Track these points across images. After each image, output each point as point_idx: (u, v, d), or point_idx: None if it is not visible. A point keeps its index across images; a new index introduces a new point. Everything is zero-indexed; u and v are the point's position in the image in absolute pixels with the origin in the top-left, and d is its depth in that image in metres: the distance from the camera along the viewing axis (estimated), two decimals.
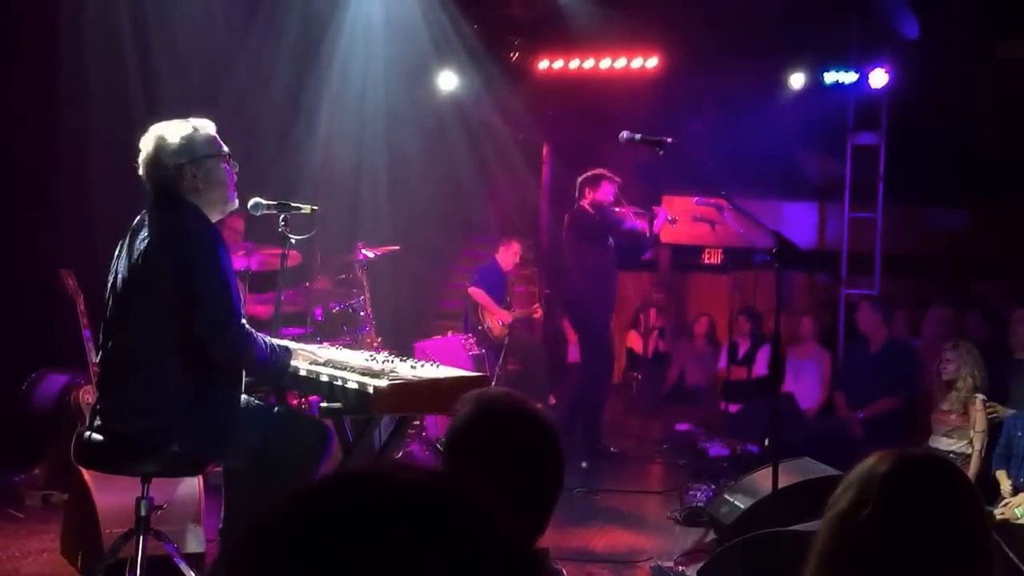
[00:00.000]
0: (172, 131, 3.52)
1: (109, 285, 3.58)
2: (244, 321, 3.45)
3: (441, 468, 1.97)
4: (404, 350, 6.86)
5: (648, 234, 7.48)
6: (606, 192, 7.35)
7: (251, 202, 4.13)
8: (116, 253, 3.58)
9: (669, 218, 7.61)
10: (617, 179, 7.42)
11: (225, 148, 3.63)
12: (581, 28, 9.74)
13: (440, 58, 9.60)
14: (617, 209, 7.39)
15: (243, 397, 3.65)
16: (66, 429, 5.31)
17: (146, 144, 3.52)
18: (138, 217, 3.55)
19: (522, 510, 1.89)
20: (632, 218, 7.39)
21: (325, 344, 4.68)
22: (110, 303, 3.55)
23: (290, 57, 8.38)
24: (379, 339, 6.92)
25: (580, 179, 7.51)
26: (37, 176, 6.62)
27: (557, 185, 11.22)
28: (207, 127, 3.61)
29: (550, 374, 9.17)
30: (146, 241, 3.41)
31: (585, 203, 7.37)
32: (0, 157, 6.47)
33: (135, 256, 3.43)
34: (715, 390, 9.72)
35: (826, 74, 9.32)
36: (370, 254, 7.05)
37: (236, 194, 3.67)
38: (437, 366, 3.85)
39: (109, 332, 3.54)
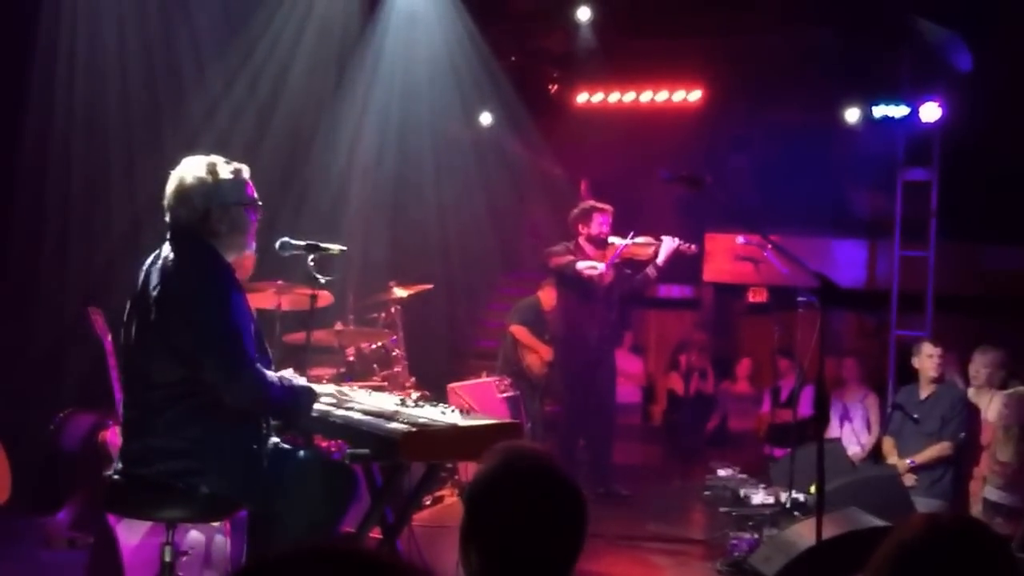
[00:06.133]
0: (209, 171, 3.59)
1: (124, 328, 3.64)
2: (256, 365, 3.49)
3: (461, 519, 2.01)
4: (438, 391, 6.92)
5: (601, 275, 7.27)
6: (599, 224, 7.36)
7: (279, 242, 4.21)
8: (131, 297, 3.63)
9: (684, 247, 7.50)
10: (608, 208, 7.41)
11: (255, 195, 3.72)
12: (621, 60, 9.84)
13: (477, 91, 9.72)
14: (613, 240, 7.36)
15: (271, 440, 3.70)
16: (93, 471, 5.42)
17: (180, 177, 3.59)
18: (151, 257, 3.61)
19: (539, 570, 1.93)
20: (588, 264, 7.24)
21: (355, 386, 4.74)
22: (127, 347, 3.62)
23: (326, 89, 8.56)
24: (412, 380, 6.97)
25: (571, 216, 7.55)
26: (67, 212, 6.80)
27: None
28: (243, 172, 3.69)
29: None
30: (160, 285, 3.47)
31: (581, 239, 7.42)
32: (31, 193, 6.66)
33: (149, 300, 3.50)
34: (759, 434, 9.67)
35: (876, 108, 9.31)
36: (403, 293, 7.12)
37: (254, 241, 3.74)
38: (468, 412, 3.89)
39: (129, 377, 3.63)
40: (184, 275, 3.46)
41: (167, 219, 3.63)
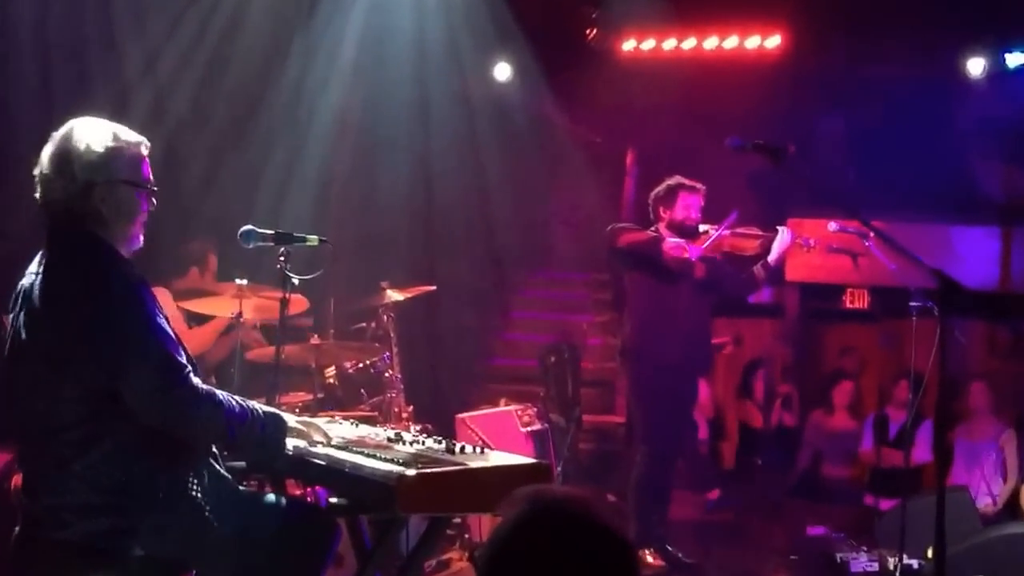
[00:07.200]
0: (93, 138, 3.54)
1: (7, 352, 3.58)
2: (192, 376, 3.44)
3: None
4: (442, 423, 6.92)
5: (691, 261, 7.09)
6: (687, 207, 7.21)
7: (242, 230, 4.21)
8: (11, 309, 3.58)
9: (803, 241, 7.43)
10: (700, 187, 7.26)
11: (150, 178, 3.66)
12: None
13: (492, 37, 9.70)
14: (705, 229, 7.21)
15: (228, 481, 3.67)
16: (5, 525, 5.42)
17: (61, 139, 3.54)
18: (29, 270, 3.56)
19: None
20: (676, 243, 7.06)
21: (336, 417, 4.73)
22: (11, 376, 3.56)
23: (292, 34, 8.59)
24: (409, 409, 6.98)
25: (651, 197, 7.44)
26: None
27: (644, 201, 11.29)
28: (138, 145, 3.64)
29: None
30: (44, 305, 3.44)
31: (662, 226, 7.27)
32: None
33: (36, 326, 3.47)
34: (860, 481, 9.61)
35: (1009, 56, 9.28)
36: (398, 296, 7.13)
37: (142, 237, 3.67)
38: (484, 450, 3.87)
39: (20, 424, 3.57)
40: (72, 286, 3.42)
41: (40, 201, 3.56)
